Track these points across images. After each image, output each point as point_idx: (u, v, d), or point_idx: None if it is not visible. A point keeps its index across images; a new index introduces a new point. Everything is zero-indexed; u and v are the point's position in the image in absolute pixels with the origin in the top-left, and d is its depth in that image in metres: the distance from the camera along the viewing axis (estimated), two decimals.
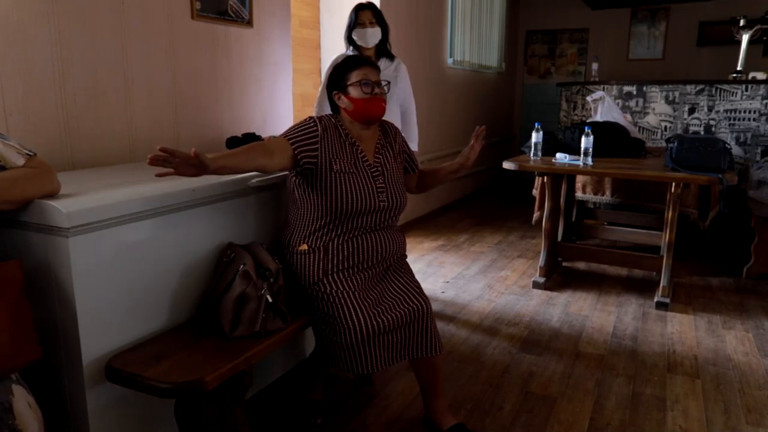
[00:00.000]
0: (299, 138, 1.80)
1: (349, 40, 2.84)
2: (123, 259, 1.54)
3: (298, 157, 1.78)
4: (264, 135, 2.65)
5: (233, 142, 2.58)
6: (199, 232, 1.78)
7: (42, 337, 1.39)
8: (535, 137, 3.40)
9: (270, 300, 1.62)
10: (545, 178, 3.53)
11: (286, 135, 1.82)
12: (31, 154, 1.43)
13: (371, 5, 2.79)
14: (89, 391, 1.48)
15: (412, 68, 4.73)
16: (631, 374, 2.43)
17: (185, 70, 2.56)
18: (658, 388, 2.32)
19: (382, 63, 2.85)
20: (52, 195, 1.45)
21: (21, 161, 1.39)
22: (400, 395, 2.26)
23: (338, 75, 1.92)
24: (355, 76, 1.88)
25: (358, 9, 2.77)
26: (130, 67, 2.30)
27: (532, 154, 3.42)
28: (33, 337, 1.32)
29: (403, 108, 2.96)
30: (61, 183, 1.49)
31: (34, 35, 1.94)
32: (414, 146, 2.96)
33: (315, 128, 1.84)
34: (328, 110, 2.85)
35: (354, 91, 1.87)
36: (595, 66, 5.81)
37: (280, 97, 3.20)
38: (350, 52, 2.88)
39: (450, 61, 5.37)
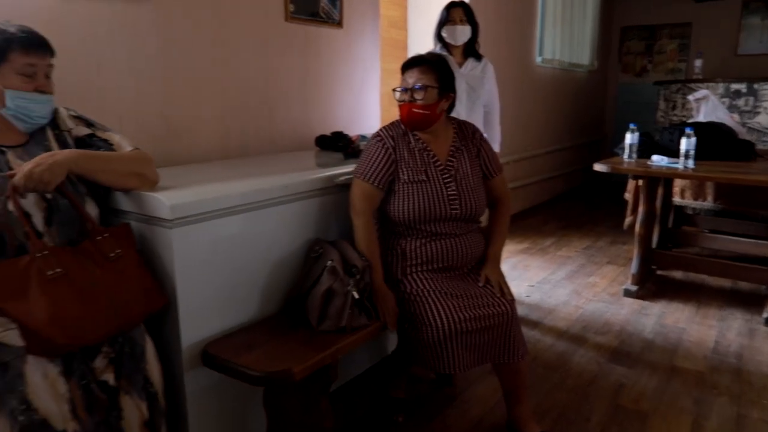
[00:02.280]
0: (377, 172, 1.84)
1: (438, 38, 2.83)
2: (219, 250, 1.61)
3: (384, 186, 1.85)
4: (352, 134, 2.70)
5: (322, 140, 2.64)
6: (288, 227, 1.84)
7: (145, 322, 1.48)
8: (630, 138, 3.23)
9: (356, 296, 1.64)
10: (639, 181, 3.34)
11: (366, 175, 1.84)
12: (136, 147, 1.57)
13: (463, 3, 2.76)
14: (187, 373, 1.56)
15: (500, 67, 4.63)
16: (735, 394, 2.26)
17: (278, 70, 2.65)
18: (767, 413, 2.13)
19: (470, 63, 2.82)
20: (155, 183, 1.56)
21: (130, 150, 1.54)
22: (482, 398, 2.22)
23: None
24: (401, 80, 1.87)
25: (450, 6, 2.75)
26: (226, 68, 2.41)
27: (626, 156, 3.26)
28: (157, 287, 1.47)
29: (487, 108, 2.91)
30: (164, 177, 1.60)
31: (144, 42, 2.08)
32: (496, 147, 2.89)
33: (386, 148, 1.86)
34: None
35: (398, 96, 1.88)
36: (698, 63, 5.43)
37: (368, 97, 3.24)
38: (438, 50, 2.87)
39: (539, 59, 5.22)
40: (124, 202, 1.56)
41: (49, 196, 1.37)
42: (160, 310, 1.48)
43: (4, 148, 1.36)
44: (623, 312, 3.08)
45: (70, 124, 1.50)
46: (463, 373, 1.89)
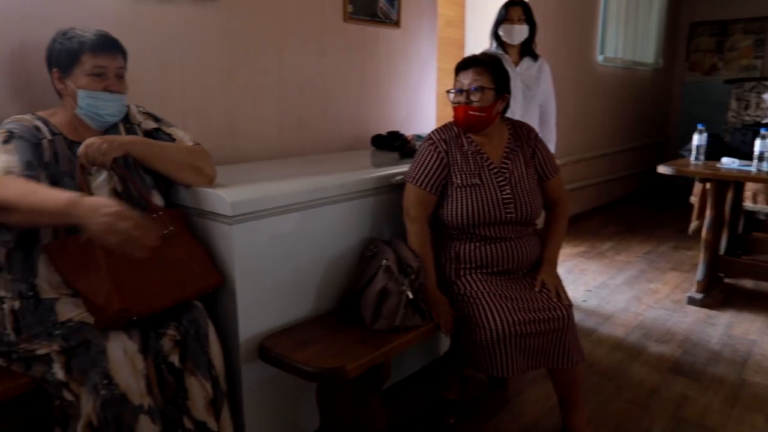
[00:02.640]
0: (430, 176, 1.83)
1: (495, 36, 2.79)
2: (276, 247, 1.65)
3: (437, 191, 1.84)
4: (408, 134, 2.70)
5: (378, 140, 2.66)
6: (344, 225, 1.85)
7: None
8: (698, 139, 3.09)
9: (410, 296, 1.64)
10: (707, 184, 3.19)
11: (418, 180, 1.83)
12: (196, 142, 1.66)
13: (523, 2, 2.72)
14: (244, 366, 1.60)
15: (559, 66, 4.53)
16: None
17: (335, 70, 2.68)
18: None
19: (525, 62, 2.78)
20: (212, 179, 1.62)
21: (190, 144, 1.63)
22: (536, 404, 2.18)
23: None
24: (455, 82, 1.84)
25: (509, 5, 2.71)
26: (286, 67, 2.46)
27: (692, 158, 3.12)
28: (211, 265, 1.53)
29: (542, 108, 2.85)
30: (225, 175, 1.66)
31: (209, 43, 2.15)
32: (552, 147, 2.82)
33: (438, 152, 1.85)
34: None
35: (452, 98, 1.85)
36: None
37: (424, 96, 3.22)
38: (494, 49, 2.83)
39: (600, 58, 5.06)
40: (186, 198, 1.62)
41: (118, 188, 1.46)
42: (215, 288, 1.53)
43: None
44: (687, 321, 2.95)
45: (139, 118, 1.60)
46: (517, 376, 1.86)
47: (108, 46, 1.43)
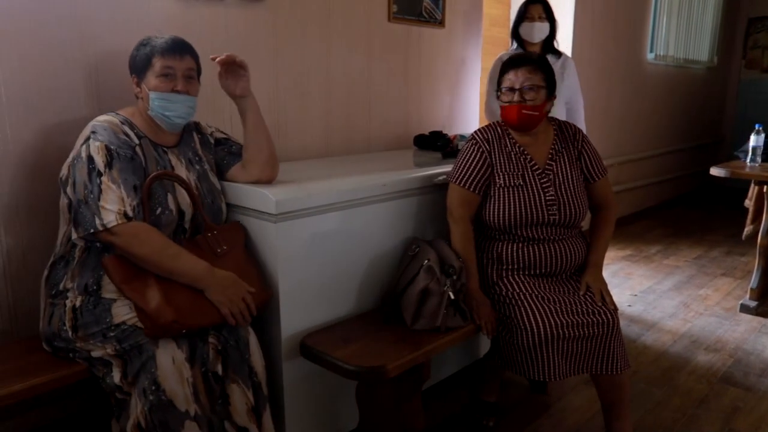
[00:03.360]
0: (473, 176, 1.81)
1: (514, 35, 2.78)
2: (318, 246, 1.67)
3: (480, 191, 1.83)
4: (450, 133, 2.68)
5: (421, 140, 2.65)
6: (386, 224, 1.86)
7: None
8: (754, 140, 2.97)
9: (452, 297, 1.64)
10: (764, 187, 3.06)
11: (462, 180, 1.82)
12: None
13: (543, 0, 2.71)
14: (285, 362, 1.63)
15: (607, 65, 4.43)
16: None
17: (380, 70, 2.69)
18: None
19: (548, 60, 2.73)
20: (274, 178, 1.67)
21: None
22: (578, 410, 2.14)
23: (499, 75, 1.86)
24: (504, 81, 1.81)
25: (529, 2, 2.69)
26: (332, 68, 2.48)
27: (748, 160, 3.00)
28: (261, 280, 1.57)
29: (569, 105, 2.80)
30: None
31: (257, 43, 2.19)
32: None
33: (482, 152, 1.83)
34: (495, 106, 2.82)
35: (502, 97, 1.82)
36: None
37: (467, 97, 3.20)
38: (514, 48, 2.81)
39: (651, 56, 4.91)
40: (233, 196, 1.66)
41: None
42: (264, 304, 1.56)
43: (165, 149, 1.55)
44: (739, 329, 2.84)
45: (210, 129, 1.71)
46: (559, 381, 1.83)
47: (176, 47, 1.49)
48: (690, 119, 5.97)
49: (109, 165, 1.39)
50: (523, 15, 2.72)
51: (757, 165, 2.95)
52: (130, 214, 1.38)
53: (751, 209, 3.60)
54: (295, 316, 1.64)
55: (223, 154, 1.69)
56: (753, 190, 3.58)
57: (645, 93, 5.07)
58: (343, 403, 1.82)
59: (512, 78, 1.79)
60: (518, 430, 2.02)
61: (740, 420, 2.07)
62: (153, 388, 1.33)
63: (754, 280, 3.08)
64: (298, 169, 2.01)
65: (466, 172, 1.82)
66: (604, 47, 4.35)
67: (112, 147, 1.41)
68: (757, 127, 2.99)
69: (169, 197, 1.49)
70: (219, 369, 1.42)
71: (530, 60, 1.81)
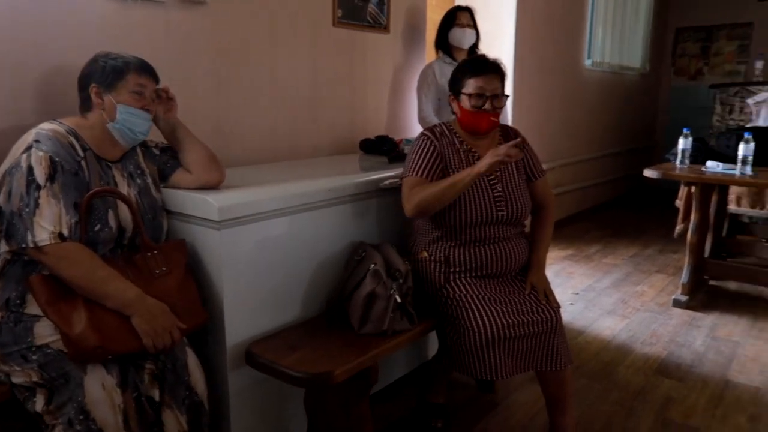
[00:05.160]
0: (428, 166, 1.82)
1: (440, 43, 2.85)
2: (264, 252, 1.65)
3: (435, 179, 1.82)
4: (396, 137, 2.71)
5: (367, 144, 2.66)
6: (332, 229, 1.86)
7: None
8: (683, 143, 3.13)
9: (398, 300, 1.65)
10: (692, 188, 3.23)
11: (417, 171, 1.82)
12: None
13: (469, 8, 2.79)
14: (231, 372, 1.60)
15: (547, 70, 4.57)
16: None
17: (325, 75, 2.69)
18: None
19: None
20: (221, 180, 1.65)
21: None
22: (523, 406, 2.19)
23: (457, 77, 1.87)
24: (470, 86, 1.81)
25: (457, 9, 2.76)
26: (276, 72, 2.46)
27: (678, 162, 3.15)
28: (199, 304, 1.53)
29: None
30: None
31: (198, 47, 2.14)
32: None
33: (434, 145, 1.85)
34: (430, 115, 2.87)
35: (465, 101, 1.83)
36: (759, 64, 5.20)
37: (412, 101, 3.23)
38: (441, 56, 2.88)
39: (588, 62, 5.11)
40: (175, 204, 1.62)
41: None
42: (200, 327, 1.52)
43: (109, 163, 1.50)
44: (672, 323, 2.98)
45: (155, 142, 1.67)
46: (505, 379, 1.87)
47: (150, 69, 1.53)
48: (625, 123, 6.24)
49: (51, 178, 1.33)
50: (452, 21, 2.80)
51: (685, 167, 3.11)
52: (66, 233, 1.32)
53: (681, 209, 3.81)
54: (240, 325, 1.61)
55: (167, 158, 1.65)
56: (683, 190, 3.78)
57: (583, 98, 5.27)
58: (291, 410, 1.79)
59: (481, 84, 1.80)
60: (466, 430, 2.05)
61: (673, 409, 2.17)
62: (81, 417, 1.27)
63: (684, 275, 3.24)
64: (243, 175, 1.98)
65: (420, 164, 1.82)
66: (545, 54, 4.49)
67: (56, 159, 1.35)
68: (685, 131, 3.14)
69: (110, 213, 1.43)
70: (155, 394, 1.38)
71: (497, 67, 1.84)
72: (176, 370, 1.43)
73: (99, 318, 1.32)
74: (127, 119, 1.47)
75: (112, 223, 1.43)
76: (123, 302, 1.36)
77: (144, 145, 1.63)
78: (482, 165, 1.70)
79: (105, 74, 1.46)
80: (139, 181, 1.55)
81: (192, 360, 1.49)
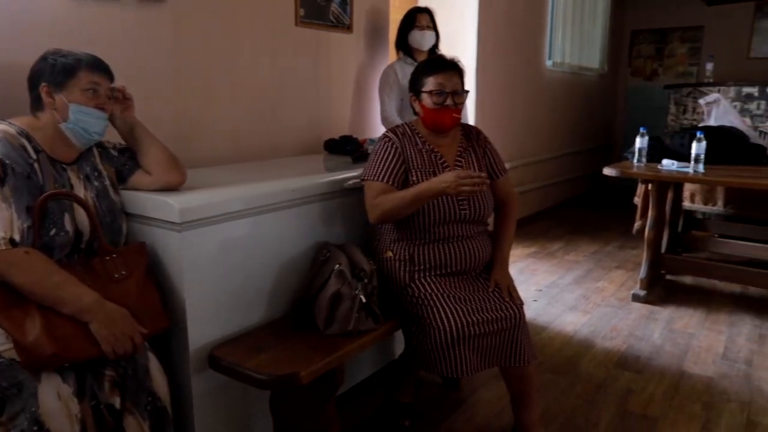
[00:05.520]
0: (391, 171, 1.82)
1: (402, 44, 2.87)
2: (227, 254, 1.62)
3: (398, 184, 1.83)
4: (360, 137, 2.71)
5: (331, 144, 2.65)
6: (296, 230, 1.85)
7: None
8: (640, 142, 3.22)
9: (363, 300, 1.65)
10: (649, 185, 3.33)
11: (378, 176, 1.81)
12: None
13: (428, 9, 2.81)
14: (194, 376, 1.57)
15: (509, 71, 4.64)
16: (745, 401, 2.24)
17: (288, 74, 2.67)
18: None
19: None
20: (183, 181, 1.61)
21: None
22: (489, 403, 2.22)
23: (417, 77, 1.89)
24: (430, 83, 1.83)
25: (416, 11, 2.78)
26: (238, 71, 2.43)
27: (635, 160, 3.24)
28: (160, 309, 1.49)
29: None
30: None
31: (156, 45, 2.10)
32: None
33: (395, 147, 1.85)
34: (393, 115, 2.89)
35: (426, 99, 1.84)
36: (709, 66, 5.40)
37: (376, 101, 3.24)
38: (402, 57, 2.91)
39: (549, 63, 5.21)
40: (134, 206, 1.58)
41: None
42: (161, 332, 1.49)
43: (64, 165, 1.45)
44: (632, 317, 3.07)
45: (113, 143, 1.62)
46: (470, 376, 1.89)
47: (103, 66, 1.47)
48: (585, 123, 6.38)
49: (1, 182, 1.29)
50: (411, 23, 2.81)
51: (642, 165, 3.20)
52: (17, 239, 1.27)
53: (639, 206, 3.92)
54: (203, 328, 1.59)
55: (125, 159, 1.60)
56: (640, 188, 3.89)
57: (545, 98, 5.37)
58: (256, 414, 1.77)
59: (442, 81, 1.82)
60: (434, 428, 2.06)
61: (633, 401, 2.24)
62: (35, 428, 1.22)
63: (642, 270, 3.34)
64: (205, 176, 1.95)
65: (381, 168, 1.83)
66: (507, 55, 4.55)
67: (7, 162, 1.30)
68: (641, 130, 3.23)
69: (66, 217, 1.39)
70: (116, 402, 1.34)
71: (454, 65, 1.86)
72: (137, 375, 1.40)
73: (54, 324, 1.28)
74: (81, 119, 1.42)
75: (69, 227, 1.39)
76: (80, 308, 1.31)
77: (101, 146, 1.58)
78: (450, 188, 1.66)
79: (55, 72, 1.41)
80: (96, 183, 1.51)
81: (154, 365, 1.45)
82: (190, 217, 1.51)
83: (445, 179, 1.67)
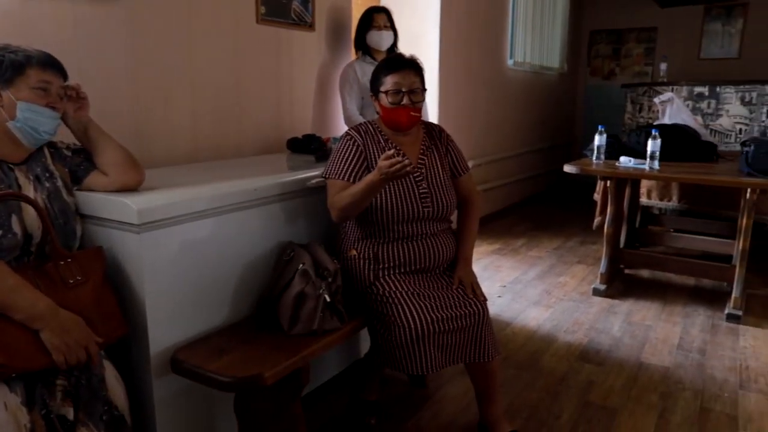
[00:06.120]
0: (351, 168, 1.83)
1: (360, 44, 2.87)
2: (188, 255, 1.60)
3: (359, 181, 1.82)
4: (324, 135, 2.69)
5: (294, 143, 2.63)
6: (259, 230, 1.83)
7: None
8: (598, 140, 3.29)
9: (328, 299, 1.64)
10: (608, 182, 3.42)
11: (340, 174, 1.82)
12: None
13: (386, 9, 2.83)
14: (156, 381, 1.54)
15: (472, 70, 4.69)
16: (698, 389, 2.32)
17: (250, 73, 2.64)
18: (728, 406, 2.20)
19: None
20: (141, 181, 1.58)
21: None
22: (455, 399, 2.24)
23: (375, 77, 1.90)
24: (387, 83, 1.84)
25: (374, 11, 2.79)
26: (197, 70, 2.39)
27: (594, 158, 3.32)
28: (118, 315, 1.45)
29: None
30: None
31: (112, 44, 2.05)
32: None
33: (357, 145, 1.86)
34: (355, 113, 2.90)
35: (383, 98, 1.86)
36: (663, 66, 5.57)
37: (339, 100, 3.23)
38: (361, 57, 2.92)
39: (510, 62, 5.29)
40: (90, 207, 1.53)
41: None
42: (119, 339, 1.45)
43: (12, 166, 1.40)
44: (592, 311, 3.14)
45: (66, 143, 1.56)
46: (436, 373, 1.90)
47: (56, 63, 1.43)
48: (547, 121, 6.51)
49: None
50: (369, 23, 2.82)
51: (601, 162, 3.27)
52: None
53: (598, 202, 4.01)
54: (165, 331, 1.55)
55: (80, 160, 1.55)
56: (599, 184, 3.98)
57: (507, 97, 5.45)
58: (221, 417, 1.75)
59: (398, 80, 1.82)
60: (400, 426, 2.07)
61: (594, 392, 2.29)
62: None
63: (602, 265, 3.42)
64: (164, 176, 1.91)
65: (342, 166, 1.83)
66: (469, 54, 4.60)
67: None
68: (600, 128, 3.31)
69: (14, 219, 1.33)
70: (69, 413, 1.29)
71: (412, 63, 1.87)
72: (92, 385, 1.35)
73: (3, 332, 1.23)
74: (30, 118, 1.37)
75: (17, 228, 1.34)
76: (32, 315, 1.26)
77: (53, 146, 1.53)
78: (384, 175, 1.63)
79: (3, 69, 1.35)
80: (48, 184, 1.46)
81: (110, 373, 1.41)
82: (149, 218, 1.48)
83: (379, 166, 1.65)
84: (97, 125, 1.56)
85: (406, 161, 1.62)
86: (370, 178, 1.71)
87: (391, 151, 1.65)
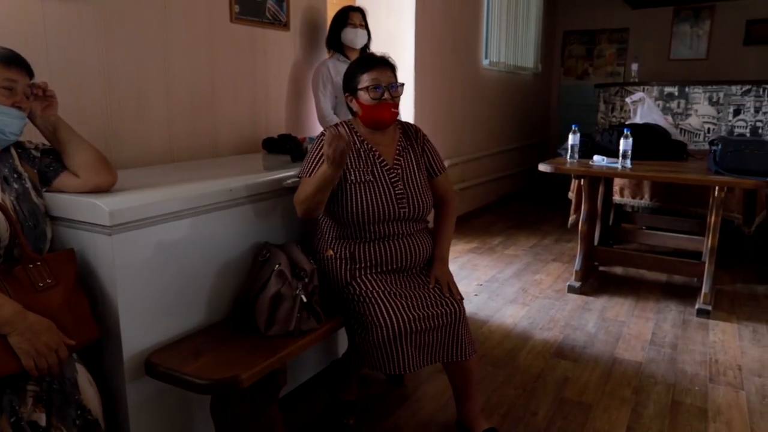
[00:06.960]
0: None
1: (332, 42, 2.88)
2: (163, 257, 1.57)
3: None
4: (299, 135, 2.68)
5: (269, 143, 2.61)
6: (235, 231, 1.81)
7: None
8: (572, 139, 3.34)
9: (304, 300, 1.63)
10: (582, 180, 3.46)
11: (312, 172, 1.80)
12: None
13: (360, 8, 2.84)
14: (129, 385, 1.51)
15: (447, 70, 4.72)
16: (670, 383, 2.37)
17: (223, 72, 2.61)
18: (699, 399, 2.25)
19: None
20: (114, 182, 1.55)
21: None
22: (433, 398, 2.25)
23: (350, 76, 1.89)
24: (365, 80, 1.84)
25: (349, 10, 2.80)
26: (171, 69, 2.35)
27: (568, 157, 3.36)
28: (90, 318, 1.42)
29: None
30: None
31: (84, 43, 2.01)
32: None
33: None
34: (329, 113, 2.90)
35: (363, 96, 1.85)
36: (634, 66, 5.68)
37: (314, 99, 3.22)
38: (335, 57, 2.92)
39: (485, 62, 5.33)
40: (60, 208, 1.50)
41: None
42: (91, 342, 1.42)
43: None
44: (567, 308, 3.19)
45: (34, 144, 1.52)
46: (413, 372, 1.91)
47: (21, 61, 1.39)
48: (522, 120, 6.57)
49: None
50: (344, 21, 2.82)
51: (575, 161, 3.32)
52: None
53: (573, 200, 4.07)
54: (139, 334, 1.53)
55: (49, 161, 1.51)
56: (574, 183, 4.04)
57: (482, 96, 5.49)
58: (197, 420, 1.73)
59: (376, 76, 1.82)
60: (378, 425, 2.07)
61: (569, 388, 2.32)
62: None
63: (577, 263, 3.47)
64: (137, 177, 1.88)
65: (316, 165, 1.81)
66: (444, 54, 4.62)
67: None
68: (573, 127, 3.36)
69: None
70: (41, 418, 1.26)
71: (386, 60, 1.88)
72: (64, 390, 1.32)
73: None
74: None
75: None
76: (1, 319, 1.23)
77: (20, 146, 1.49)
78: (330, 159, 1.66)
79: None
80: (16, 185, 1.42)
81: (83, 377, 1.38)
82: (122, 220, 1.45)
83: (325, 155, 1.67)
84: (67, 125, 1.52)
85: (339, 132, 1.64)
86: (323, 168, 1.71)
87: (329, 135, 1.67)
